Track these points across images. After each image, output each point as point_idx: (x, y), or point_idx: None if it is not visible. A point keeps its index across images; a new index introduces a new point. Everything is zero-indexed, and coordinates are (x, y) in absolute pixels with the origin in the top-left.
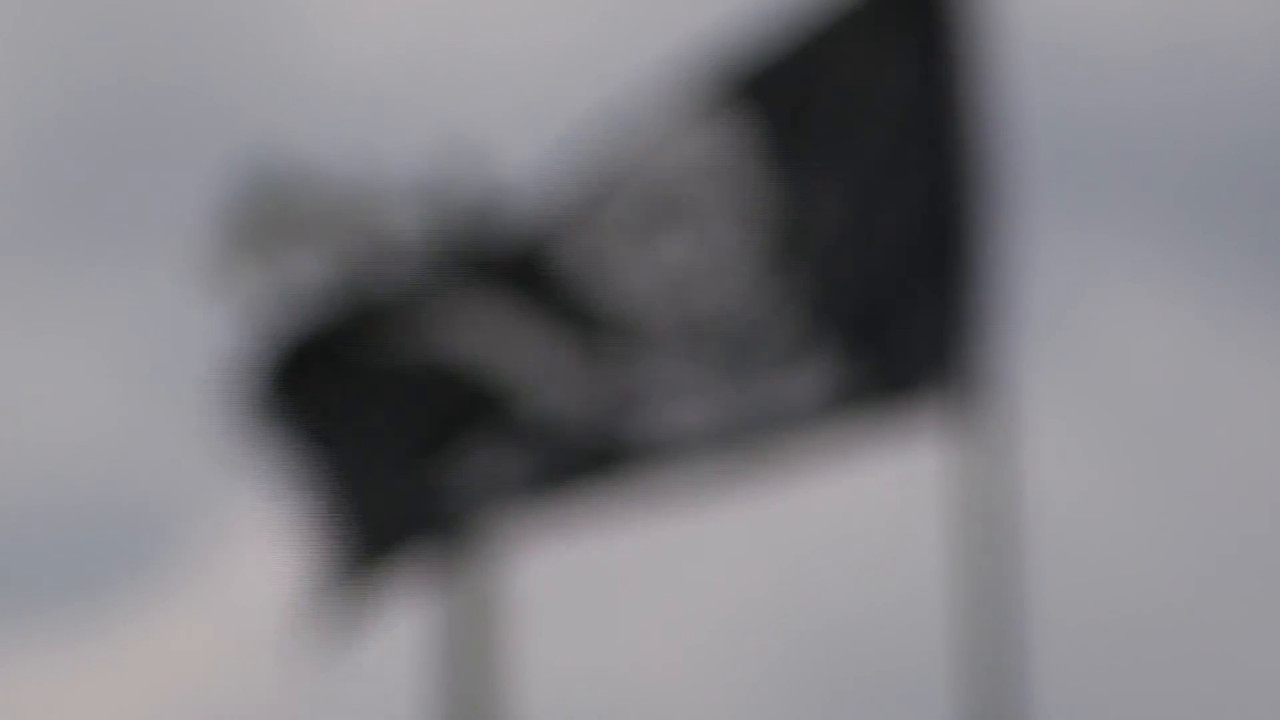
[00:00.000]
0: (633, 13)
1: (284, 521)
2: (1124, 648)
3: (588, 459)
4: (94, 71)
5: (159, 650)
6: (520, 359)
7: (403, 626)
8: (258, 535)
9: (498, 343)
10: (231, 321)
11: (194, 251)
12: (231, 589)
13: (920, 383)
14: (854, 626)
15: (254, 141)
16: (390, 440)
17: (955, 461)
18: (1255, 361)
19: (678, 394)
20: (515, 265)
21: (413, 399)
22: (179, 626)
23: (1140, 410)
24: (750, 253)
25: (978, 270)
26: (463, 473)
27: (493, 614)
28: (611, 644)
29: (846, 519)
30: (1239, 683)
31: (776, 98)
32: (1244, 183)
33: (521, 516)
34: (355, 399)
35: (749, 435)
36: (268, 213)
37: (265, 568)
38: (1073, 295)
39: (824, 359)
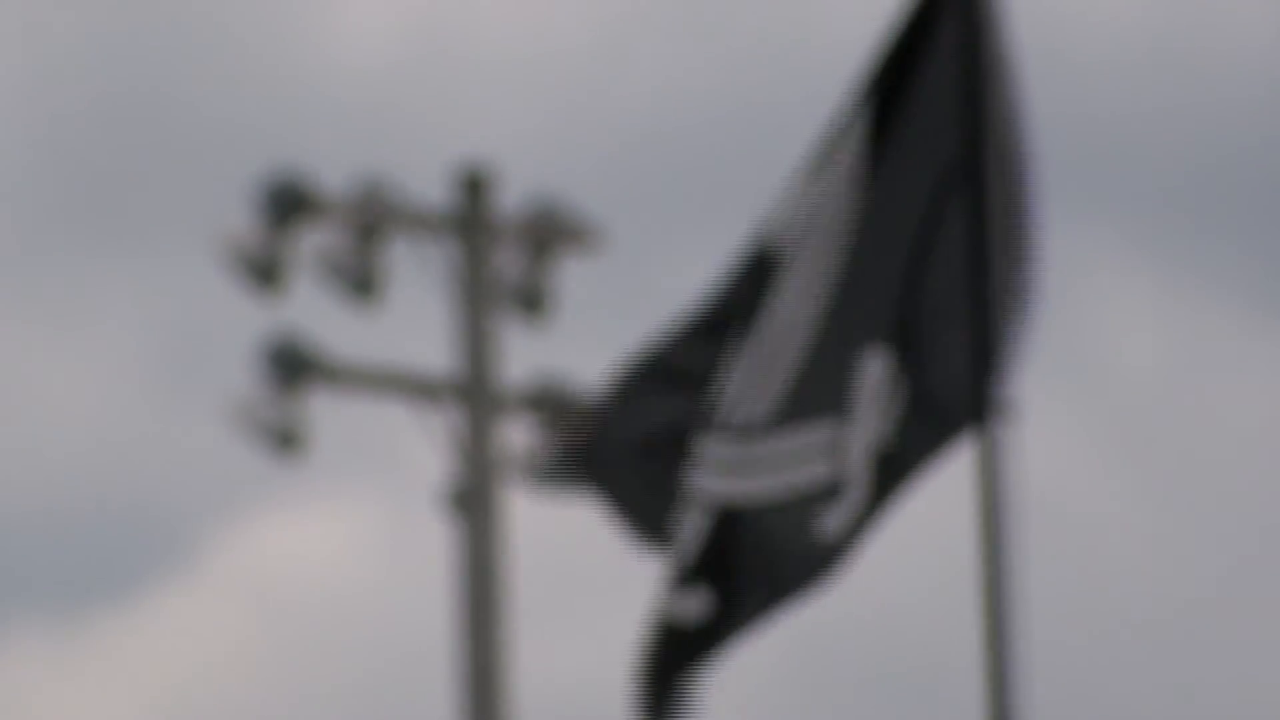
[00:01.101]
0: (635, 16)
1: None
2: (1117, 640)
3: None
4: (108, 82)
5: (163, 645)
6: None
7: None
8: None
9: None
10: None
11: (207, 255)
12: (241, 581)
13: (964, 401)
14: (853, 626)
15: (266, 150)
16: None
17: (971, 465)
18: (1242, 359)
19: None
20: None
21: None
22: (187, 621)
23: (1124, 406)
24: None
25: (1014, 284)
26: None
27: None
28: (609, 642)
29: None
30: (1243, 680)
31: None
32: (1230, 184)
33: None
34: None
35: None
36: (281, 221)
37: (273, 559)
38: (1064, 292)
39: (892, 391)
